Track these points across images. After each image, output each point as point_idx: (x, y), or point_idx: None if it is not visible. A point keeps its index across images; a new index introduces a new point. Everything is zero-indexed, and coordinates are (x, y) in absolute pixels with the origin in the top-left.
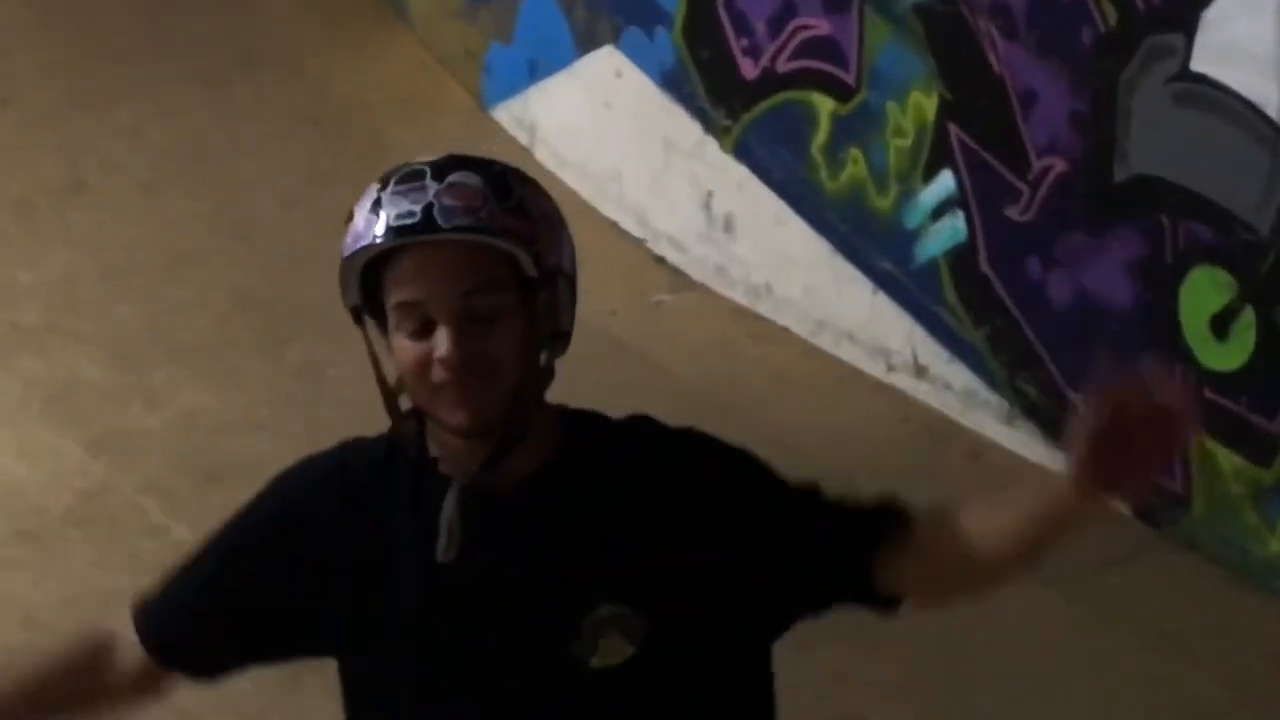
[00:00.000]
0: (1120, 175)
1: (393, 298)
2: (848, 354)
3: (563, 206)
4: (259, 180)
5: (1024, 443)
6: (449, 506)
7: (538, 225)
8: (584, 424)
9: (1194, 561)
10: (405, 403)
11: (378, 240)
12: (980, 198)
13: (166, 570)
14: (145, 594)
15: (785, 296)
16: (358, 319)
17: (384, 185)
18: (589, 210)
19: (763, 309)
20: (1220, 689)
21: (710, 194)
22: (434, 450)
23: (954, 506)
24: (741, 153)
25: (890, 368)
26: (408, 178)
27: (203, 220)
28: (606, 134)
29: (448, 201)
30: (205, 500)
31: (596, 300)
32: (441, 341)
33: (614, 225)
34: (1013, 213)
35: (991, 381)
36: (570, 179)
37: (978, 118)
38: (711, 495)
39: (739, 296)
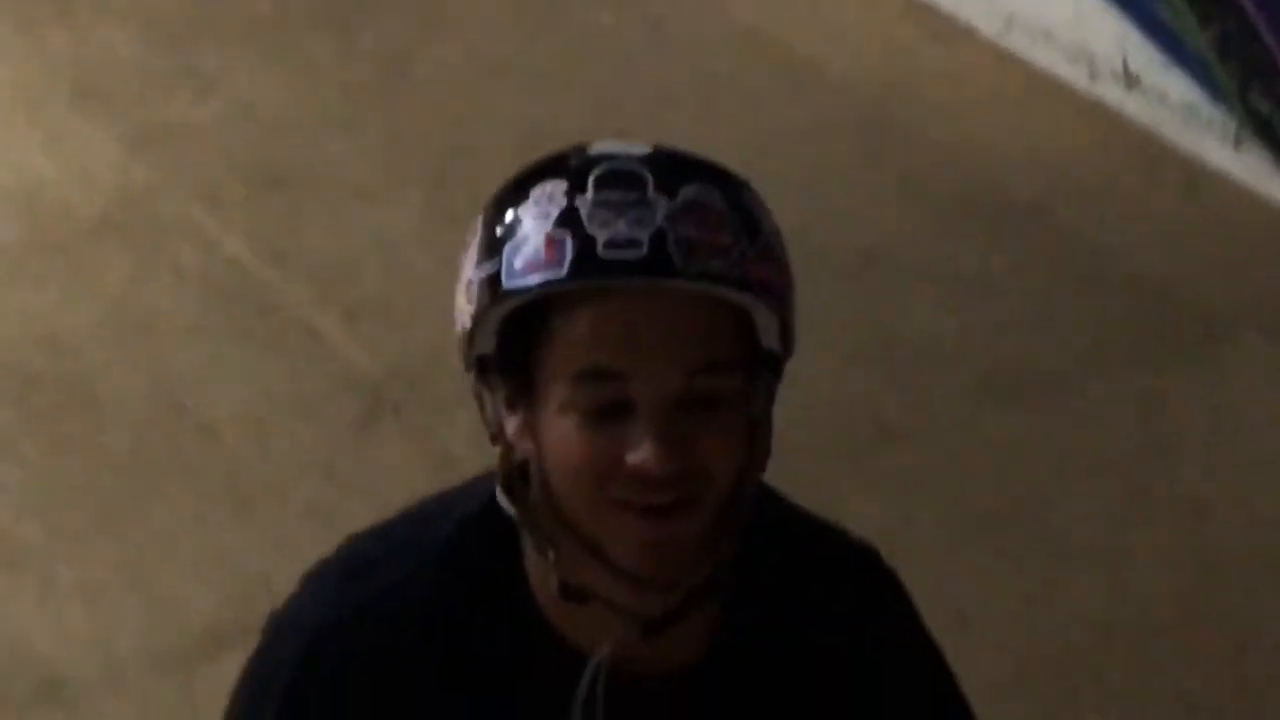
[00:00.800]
0: None
1: (569, 361)
2: (1043, 58)
3: None
4: None
5: (1253, 170)
6: (585, 691)
7: (788, 277)
8: (758, 575)
9: None
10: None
11: (571, 275)
12: None
13: None
14: None
15: None
16: (483, 374)
17: (576, 185)
18: None
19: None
20: None
21: None
22: (540, 583)
23: None
24: None
25: (1094, 76)
26: (616, 180)
27: None
28: None
29: (688, 232)
30: (263, 209)
31: None
32: (645, 440)
33: None
34: None
35: (1217, 95)
36: None
37: None
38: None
39: None
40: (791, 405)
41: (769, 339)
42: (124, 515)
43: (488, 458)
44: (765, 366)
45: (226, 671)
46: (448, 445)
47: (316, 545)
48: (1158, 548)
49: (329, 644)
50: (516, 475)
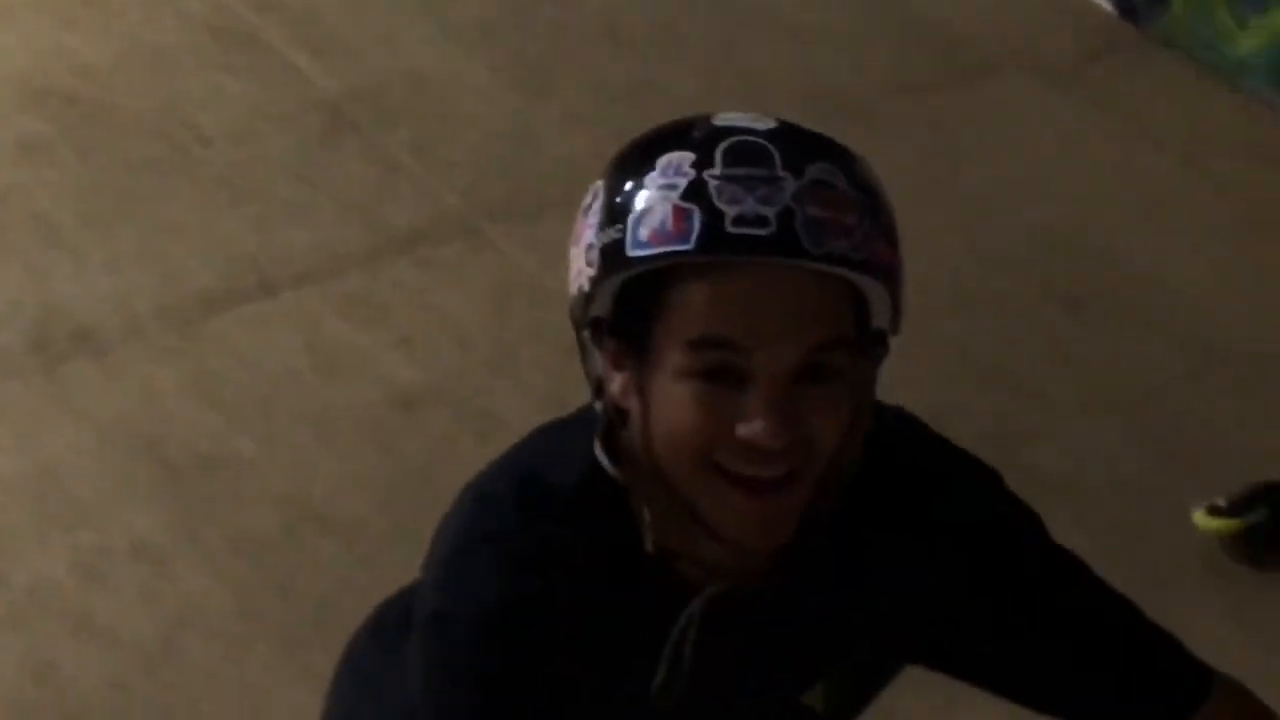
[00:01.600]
0: None
1: (688, 328)
2: None
3: None
4: None
5: None
6: (679, 633)
7: (900, 258)
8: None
9: (1171, 58)
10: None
11: (699, 248)
12: None
13: None
14: None
15: None
16: (597, 336)
17: (704, 157)
18: None
19: None
20: (1182, 172)
21: None
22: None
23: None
24: None
25: None
26: (744, 156)
27: None
28: None
29: (815, 212)
30: None
31: None
32: (758, 413)
33: None
34: None
35: None
36: None
37: None
38: (993, 581)
39: None
40: (658, 113)
41: (880, 319)
42: (140, 205)
43: (430, 166)
44: (873, 343)
45: (220, 325)
46: (394, 154)
47: (294, 230)
48: (949, 235)
49: (503, 624)
50: (618, 430)
